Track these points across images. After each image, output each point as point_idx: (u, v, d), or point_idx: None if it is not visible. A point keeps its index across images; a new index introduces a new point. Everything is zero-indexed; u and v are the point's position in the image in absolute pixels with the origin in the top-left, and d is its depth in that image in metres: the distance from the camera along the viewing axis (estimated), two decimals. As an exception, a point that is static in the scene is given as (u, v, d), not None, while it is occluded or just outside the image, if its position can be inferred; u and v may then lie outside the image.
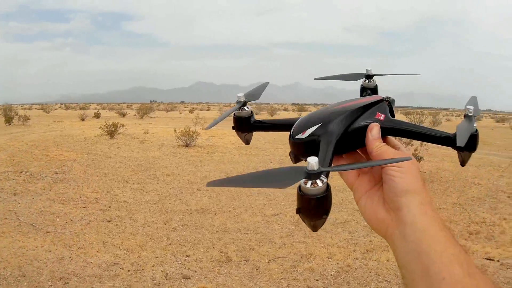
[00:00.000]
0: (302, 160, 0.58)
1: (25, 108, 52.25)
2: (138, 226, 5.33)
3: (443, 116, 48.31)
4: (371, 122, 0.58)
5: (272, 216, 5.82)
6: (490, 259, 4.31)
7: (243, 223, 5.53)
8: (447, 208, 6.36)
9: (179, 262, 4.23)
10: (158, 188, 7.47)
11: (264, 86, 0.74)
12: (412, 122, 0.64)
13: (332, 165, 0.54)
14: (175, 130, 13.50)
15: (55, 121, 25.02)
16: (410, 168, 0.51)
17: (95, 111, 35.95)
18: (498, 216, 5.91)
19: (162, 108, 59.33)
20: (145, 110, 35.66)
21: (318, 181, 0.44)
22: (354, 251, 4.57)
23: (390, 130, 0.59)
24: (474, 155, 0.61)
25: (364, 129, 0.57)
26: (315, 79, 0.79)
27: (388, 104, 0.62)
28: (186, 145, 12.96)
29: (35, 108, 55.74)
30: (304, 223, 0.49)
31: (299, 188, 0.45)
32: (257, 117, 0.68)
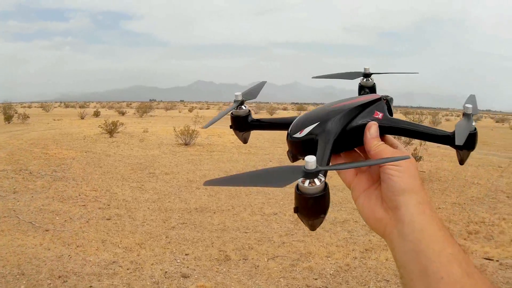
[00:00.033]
0: (300, 159, 0.58)
1: (24, 107, 52.20)
2: (137, 225, 5.33)
3: (443, 116, 48.34)
4: (369, 121, 0.58)
5: (271, 215, 5.83)
6: (489, 259, 4.32)
7: (242, 222, 5.53)
8: (446, 208, 6.36)
9: (178, 261, 4.23)
10: (157, 187, 7.47)
11: (261, 85, 0.73)
12: (411, 121, 0.63)
13: (330, 164, 0.54)
14: (174, 129, 13.50)
15: (54, 120, 25.00)
16: (408, 167, 0.51)
17: (95, 109, 35.92)
18: (497, 216, 5.92)
19: (161, 106, 59.32)
20: (144, 109, 35.64)
21: (316, 180, 0.44)
22: (353, 250, 4.57)
23: (388, 129, 0.58)
24: (473, 154, 0.61)
25: (362, 128, 0.57)
26: (313, 77, 0.79)
27: (386, 102, 0.62)
28: (186, 144, 12.96)
29: (35, 107, 55.70)
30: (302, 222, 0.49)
31: (297, 187, 0.45)
32: (257, 116, 0.67)
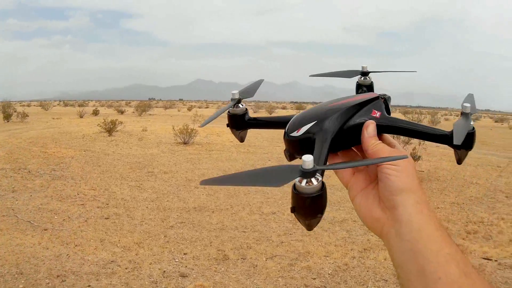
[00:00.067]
0: (297, 158, 0.57)
1: (23, 105, 52.09)
2: (135, 224, 5.33)
3: (442, 116, 48.37)
4: (367, 120, 0.57)
5: (269, 214, 5.83)
6: (488, 259, 4.32)
7: (241, 221, 5.53)
8: (445, 208, 6.37)
9: (177, 260, 4.22)
10: (156, 186, 7.47)
11: (258, 83, 0.73)
12: (409, 120, 0.63)
13: (327, 163, 0.53)
14: (173, 128, 13.49)
15: (53, 118, 24.96)
16: (406, 167, 0.50)
17: (94, 108, 35.88)
18: (496, 216, 5.93)
19: (160, 105, 59.28)
20: (143, 108, 35.61)
21: (313, 179, 0.43)
22: (351, 249, 4.57)
23: (386, 128, 0.58)
24: (472, 154, 0.61)
25: (359, 127, 0.57)
26: (310, 76, 0.78)
27: (384, 101, 0.62)
28: (184, 143, 12.95)
29: (34, 105, 55.59)
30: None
31: (294, 186, 0.45)
32: (256, 115, 0.67)
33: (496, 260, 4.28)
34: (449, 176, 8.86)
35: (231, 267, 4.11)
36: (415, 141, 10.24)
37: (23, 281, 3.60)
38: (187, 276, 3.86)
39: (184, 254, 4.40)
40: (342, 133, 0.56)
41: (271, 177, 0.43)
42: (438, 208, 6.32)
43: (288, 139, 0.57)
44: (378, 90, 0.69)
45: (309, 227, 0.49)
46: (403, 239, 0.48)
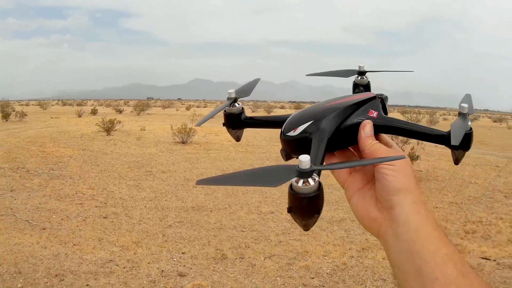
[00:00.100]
0: (294, 157, 0.57)
1: (22, 104, 51.98)
2: (134, 223, 5.32)
3: (440, 115, 48.41)
4: (364, 119, 0.57)
5: (268, 214, 5.83)
6: (486, 259, 4.33)
7: (239, 221, 5.53)
8: (444, 207, 6.37)
9: (175, 259, 4.22)
10: (154, 185, 7.46)
11: (255, 82, 0.73)
12: (407, 120, 0.63)
13: (324, 163, 0.53)
14: (171, 127, 13.48)
15: (52, 118, 24.92)
16: (403, 167, 0.50)
17: (92, 107, 35.82)
18: (494, 215, 5.94)
19: (159, 105, 59.24)
20: (142, 107, 35.58)
21: (310, 179, 0.43)
22: (350, 249, 4.57)
23: (383, 128, 0.58)
24: (471, 154, 0.61)
25: (356, 127, 0.56)
26: (307, 75, 0.78)
27: (381, 101, 0.61)
28: (183, 142, 12.95)
29: (32, 104, 55.51)
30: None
31: (291, 186, 0.44)
32: (254, 115, 0.67)
33: (494, 260, 4.29)
34: (447, 175, 8.87)
35: (229, 266, 4.11)
36: (413, 140, 10.25)
37: (21, 280, 3.59)
38: (185, 275, 3.86)
39: (182, 253, 4.40)
40: (339, 133, 0.56)
41: (268, 177, 0.43)
42: (436, 207, 6.33)
43: (284, 138, 0.57)
44: (377, 90, 0.69)
45: (306, 228, 0.49)
46: (400, 239, 0.47)
